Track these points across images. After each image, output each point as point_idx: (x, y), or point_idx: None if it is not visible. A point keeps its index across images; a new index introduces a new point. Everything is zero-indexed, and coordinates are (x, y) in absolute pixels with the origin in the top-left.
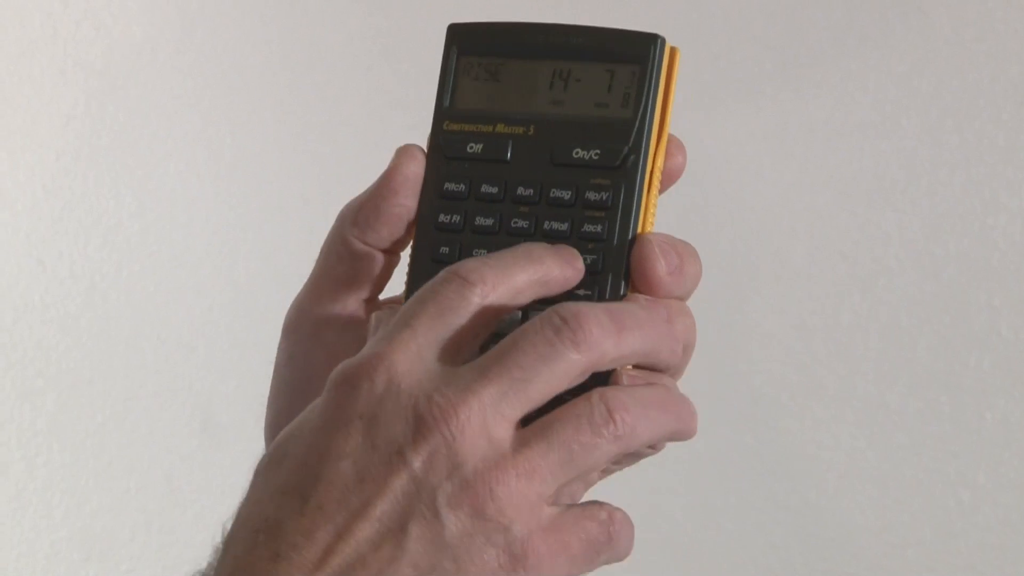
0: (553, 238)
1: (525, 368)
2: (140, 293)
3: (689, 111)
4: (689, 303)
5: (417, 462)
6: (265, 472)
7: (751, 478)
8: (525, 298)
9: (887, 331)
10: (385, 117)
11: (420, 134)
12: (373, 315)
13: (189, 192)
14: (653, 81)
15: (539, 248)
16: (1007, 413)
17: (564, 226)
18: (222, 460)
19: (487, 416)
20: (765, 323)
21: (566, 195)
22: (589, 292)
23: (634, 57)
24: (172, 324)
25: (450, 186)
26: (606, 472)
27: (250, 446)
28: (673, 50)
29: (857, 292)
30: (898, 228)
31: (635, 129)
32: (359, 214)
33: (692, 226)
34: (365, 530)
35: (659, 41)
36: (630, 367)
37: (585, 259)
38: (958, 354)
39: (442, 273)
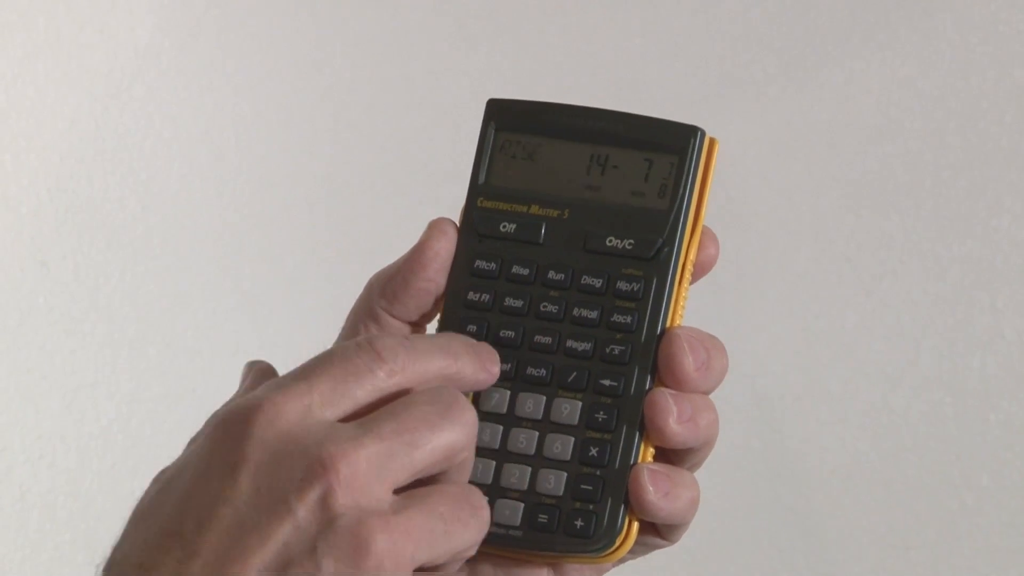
0: (582, 325)
1: (416, 432)
2: (144, 296)
3: (692, 113)
4: (691, 290)
5: (301, 510)
6: (144, 515)
7: (755, 480)
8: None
9: (891, 333)
10: (390, 119)
11: (419, 128)
12: (247, 363)
13: (193, 195)
14: (691, 173)
15: (460, 343)
16: (1011, 415)
17: (593, 314)
18: None
19: (373, 472)
20: (769, 325)
21: (597, 283)
22: (615, 383)
23: (673, 148)
24: (176, 327)
25: (481, 264)
26: (623, 560)
27: None
28: (712, 142)
29: (861, 294)
30: (902, 230)
31: (670, 221)
32: (388, 286)
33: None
34: None
35: (699, 133)
36: (650, 458)
37: (613, 349)
38: (962, 356)
39: (360, 339)
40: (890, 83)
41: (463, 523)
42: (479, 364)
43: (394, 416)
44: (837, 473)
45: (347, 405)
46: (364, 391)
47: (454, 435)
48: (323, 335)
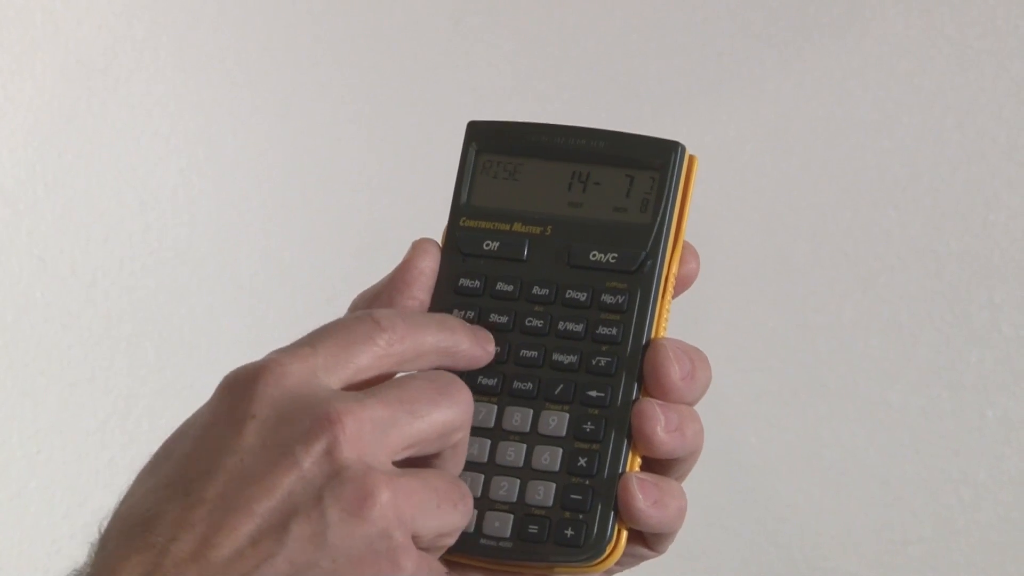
0: (567, 338)
1: (416, 403)
2: (141, 291)
3: (692, 108)
4: (689, 291)
5: (307, 461)
6: (148, 471)
7: (753, 475)
8: (428, 362)
9: (888, 328)
10: (388, 115)
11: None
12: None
13: (190, 190)
14: (672, 188)
15: (456, 320)
16: (1008, 410)
17: (579, 327)
18: None
19: (376, 433)
20: (767, 320)
21: (582, 297)
22: (602, 394)
23: (654, 163)
24: (173, 322)
25: (465, 282)
26: (612, 571)
27: None
28: (692, 158)
29: (858, 289)
30: (899, 225)
31: (653, 235)
32: (372, 305)
33: (693, 224)
34: (246, 525)
35: (679, 148)
36: (637, 468)
37: (599, 361)
38: (959, 351)
39: (360, 312)
40: (888, 78)
41: (452, 504)
42: (475, 341)
43: (397, 386)
44: (834, 468)
45: (349, 371)
46: (366, 358)
47: (452, 412)
48: None
